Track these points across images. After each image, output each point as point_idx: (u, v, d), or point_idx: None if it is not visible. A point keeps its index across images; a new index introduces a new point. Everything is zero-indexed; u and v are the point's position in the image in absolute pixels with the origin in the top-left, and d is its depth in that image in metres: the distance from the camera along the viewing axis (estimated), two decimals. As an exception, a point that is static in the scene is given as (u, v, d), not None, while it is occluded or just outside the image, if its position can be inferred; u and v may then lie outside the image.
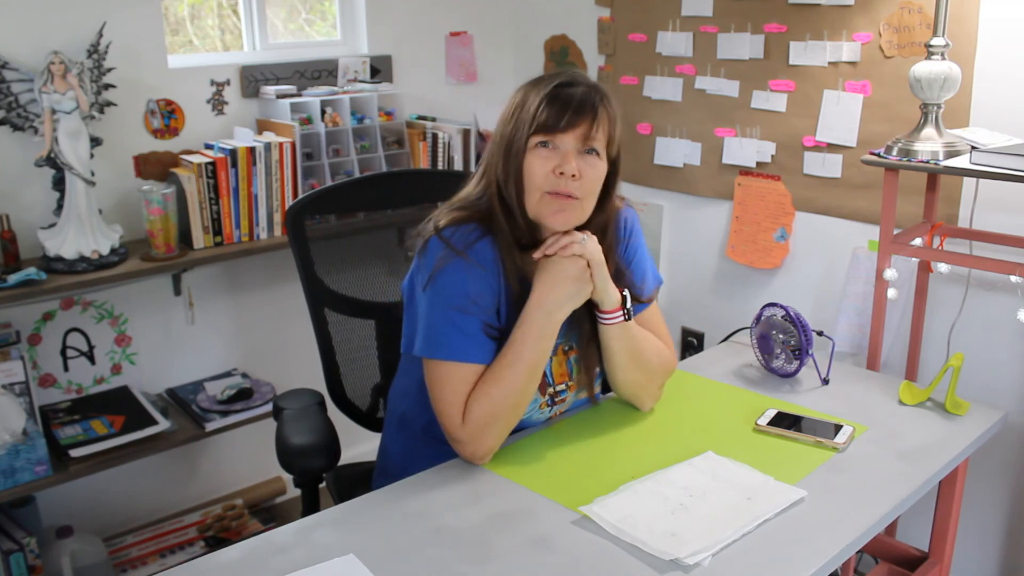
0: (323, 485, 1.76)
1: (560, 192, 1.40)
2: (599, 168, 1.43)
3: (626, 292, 1.51)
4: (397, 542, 1.28)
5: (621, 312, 1.50)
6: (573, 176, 1.39)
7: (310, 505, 1.70)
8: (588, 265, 1.44)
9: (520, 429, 1.56)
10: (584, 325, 1.54)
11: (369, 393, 1.95)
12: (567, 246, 1.42)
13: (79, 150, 2.20)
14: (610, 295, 1.48)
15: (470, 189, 1.52)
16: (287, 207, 2.01)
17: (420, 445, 1.60)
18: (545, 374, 1.53)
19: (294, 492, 2.91)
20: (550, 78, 1.45)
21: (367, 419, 1.95)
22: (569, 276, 1.42)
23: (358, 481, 1.82)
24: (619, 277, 1.55)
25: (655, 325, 1.65)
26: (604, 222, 1.52)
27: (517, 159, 1.42)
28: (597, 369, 1.61)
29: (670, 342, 1.68)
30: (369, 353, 1.93)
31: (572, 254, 1.42)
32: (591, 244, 1.44)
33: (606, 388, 1.72)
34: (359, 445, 2.11)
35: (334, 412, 1.81)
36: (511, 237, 1.45)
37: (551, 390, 1.56)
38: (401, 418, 1.66)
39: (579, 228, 1.46)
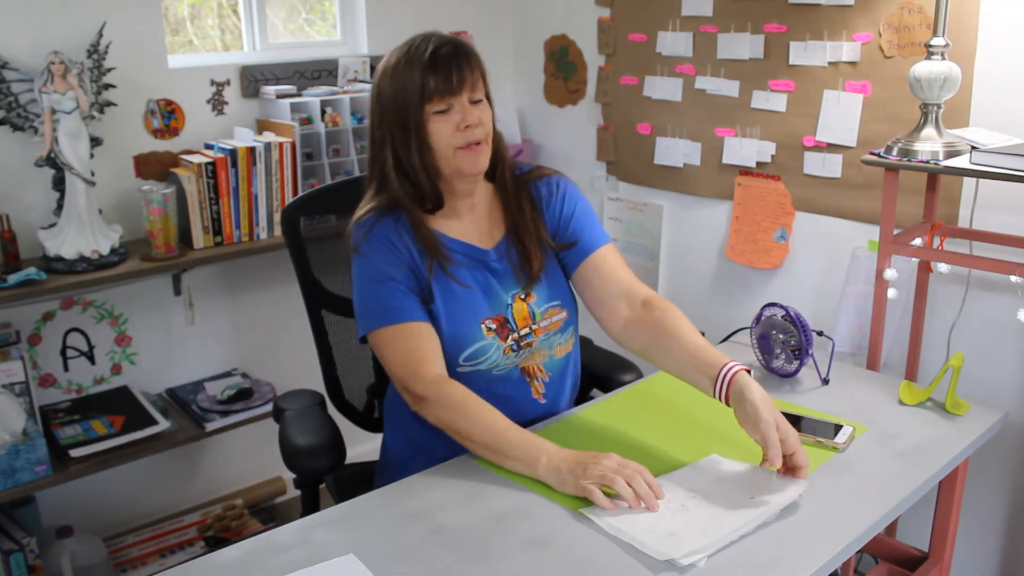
0: (323, 486, 1.77)
1: (470, 143, 1.52)
2: (488, 111, 1.56)
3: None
4: (397, 542, 1.28)
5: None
6: (479, 124, 1.52)
7: (310, 506, 1.70)
8: None
9: (499, 395, 1.57)
10: (531, 259, 1.62)
11: (365, 393, 1.95)
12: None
13: (79, 150, 2.20)
14: None
15: (367, 197, 1.62)
16: (283, 208, 2.01)
17: (414, 434, 1.63)
18: (507, 319, 1.60)
19: (294, 492, 2.90)
20: (414, 50, 1.52)
21: (364, 419, 1.95)
22: (572, 486, 1.37)
23: (358, 481, 1.82)
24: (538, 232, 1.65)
25: (619, 269, 1.68)
26: (502, 160, 1.64)
27: (419, 132, 1.52)
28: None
29: (647, 288, 1.69)
30: (365, 354, 1.93)
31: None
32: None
33: (588, 391, 1.72)
34: (358, 446, 2.11)
35: (332, 412, 1.81)
36: (415, 203, 1.57)
37: (515, 335, 1.60)
38: (395, 412, 1.69)
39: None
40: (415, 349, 1.51)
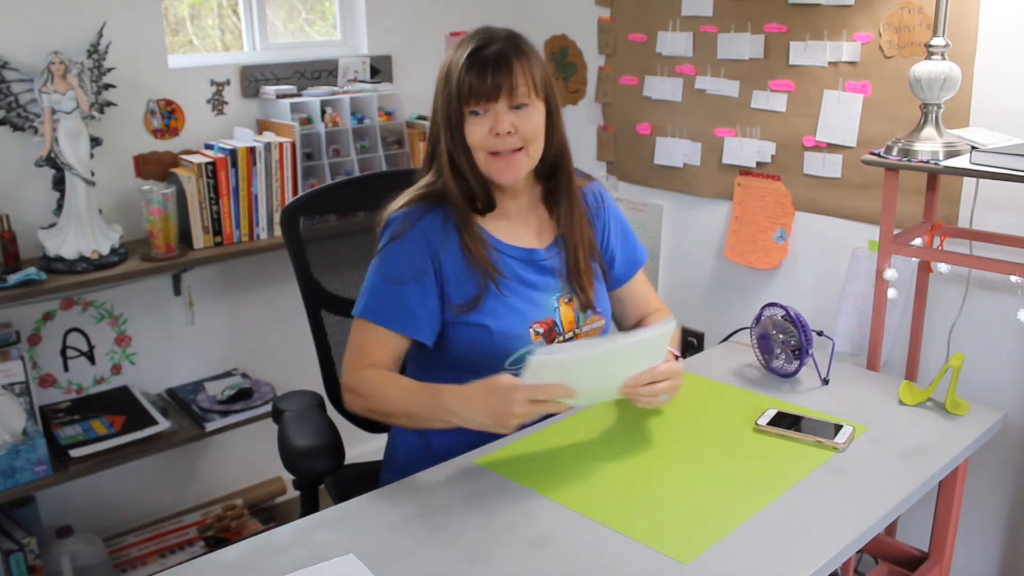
0: (322, 487, 1.77)
1: (500, 152, 1.49)
2: (533, 117, 1.50)
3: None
4: (397, 542, 1.28)
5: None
6: (509, 133, 1.47)
7: (309, 507, 1.70)
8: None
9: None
10: (580, 270, 1.61)
11: None
12: (653, 396, 1.45)
13: (79, 150, 2.20)
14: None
15: (423, 176, 1.61)
16: (282, 208, 2.01)
17: (429, 431, 1.62)
18: (555, 323, 1.59)
19: (294, 492, 2.89)
20: (465, 44, 1.52)
21: (363, 420, 1.94)
22: (493, 412, 1.35)
23: (357, 482, 1.82)
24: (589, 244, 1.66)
25: (648, 290, 1.80)
26: (555, 161, 1.59)
27: (459, 130, 1.51)
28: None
29: (662, 303, 1.82)
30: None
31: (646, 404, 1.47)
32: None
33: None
34: (357, 446, 2.10)
35: (332, 413, 1.80)
36: (465, 203, 1.54)
37: (561, 339, 1.60)
38: None
39: (544, 177, 1.60)
40: (374, 351, 1.52)
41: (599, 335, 1.67)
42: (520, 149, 1.50)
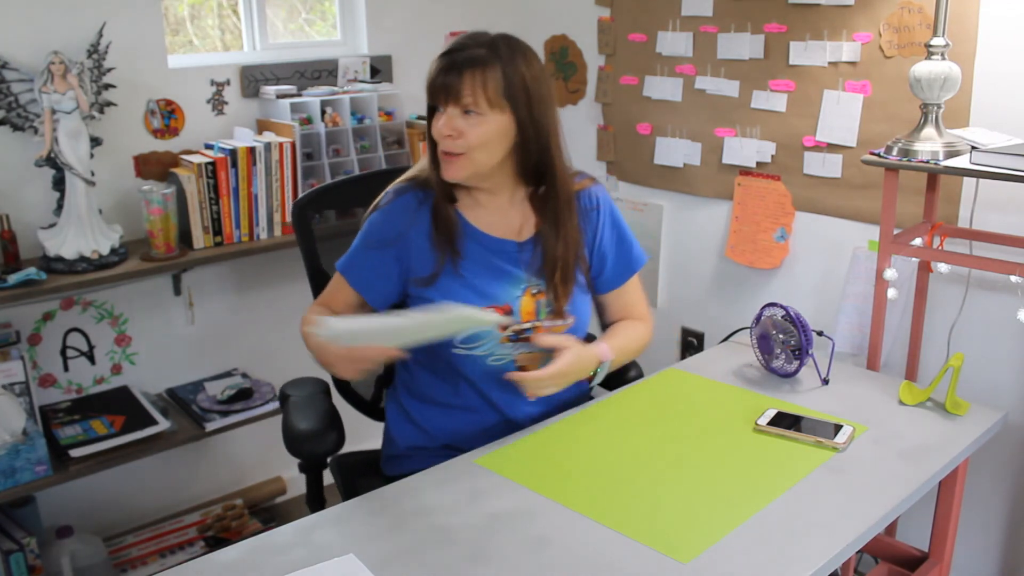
0: (327, 486, 1.78)
1: (444, 150, 1.56)
2: (480, 127, 1.52)
3: (598, 369, 1.65)
4: (397, 542, 1.28)
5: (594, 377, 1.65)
6: (451, 136, 1.52)
7: (315, 491, 1.77)
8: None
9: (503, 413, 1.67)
10: (555, 272, 1.63)
11: (373, 383, 1.98)
12: (532, 392, 1.57)
13: (79, 150, 2.19)
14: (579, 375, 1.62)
15: (415, 167, 1.71)
16: (293, 202, 2.05)
17: (410, 407, 1.72)
18: (512, 311, 1.62)
19: (294, 492, 2.91)
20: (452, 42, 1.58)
21: (371, 409, 1.99)
22: (328, 363, 1.51)
23: (362, 468, 1.87)
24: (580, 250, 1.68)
25: (636, 298, 1.80)
26: (540, 169, 1.61)
27: (429, 121, 1.59)
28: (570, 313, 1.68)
29: (646, 312, 1.82)
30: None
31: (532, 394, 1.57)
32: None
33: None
34: (365, 433, 2.12)
35: (340, 403, 1.84)
36: (439, 187, 1.63)
37: (516, 326, 1.61)
38: (393, 389, 1.78)
39: (541, 191, 1.64)
40: (332, 301, 1.68)
41: (563, 333, 1.65)
42: (463, 153, 1.54)
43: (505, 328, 1.59)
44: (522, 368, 1.61)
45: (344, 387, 1.95)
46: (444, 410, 1.68)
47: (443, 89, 1.51)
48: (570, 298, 1.65)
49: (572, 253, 1.64)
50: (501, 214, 1.65)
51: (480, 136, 1.52)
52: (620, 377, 1.88)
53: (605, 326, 1.80)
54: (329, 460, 1.81)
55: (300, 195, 2.40)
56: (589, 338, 1.74)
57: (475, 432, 1.65)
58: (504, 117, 1.53)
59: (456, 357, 1.61)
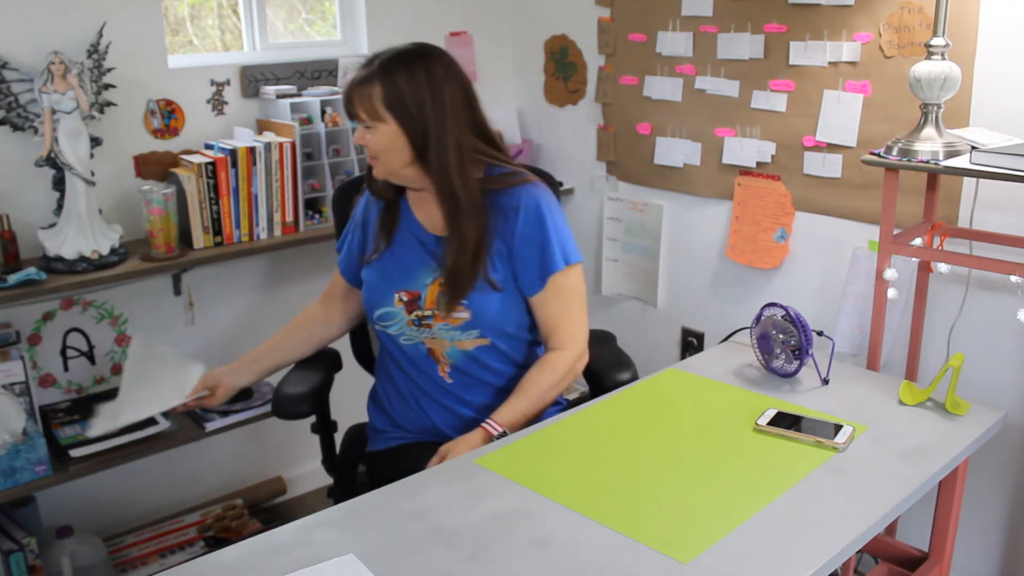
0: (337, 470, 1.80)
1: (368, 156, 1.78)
2: (377, 135, 1.70)
3: (493, 432, 1.70)
4: (397, 542, 1.28)
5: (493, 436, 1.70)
6: (362, 144, 1.74)
7: (327, 449, 2.05)
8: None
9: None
10: (447, 268, 1.74)
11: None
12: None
13: (79, 150, 2.20)
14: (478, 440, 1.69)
15: None
16: (335, 187, 2.24)
17: (378, 389, 1.96)
18: (420, 297, 1.78)
19: (294, 492, 2.91)
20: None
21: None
22: None
23: (364, 438, 2.04)
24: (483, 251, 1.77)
25: (559, 316, 1.80)
26: (443, 176, 1.72)
27: None
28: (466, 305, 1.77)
29: (571, 336, 1.81)
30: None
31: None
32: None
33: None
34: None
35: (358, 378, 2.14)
36: (381, 182, 1.84)
37: (419, 312, 1.78)
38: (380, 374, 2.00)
39: (446, 199, 1.74)
40: (336, 286, 1.98)
41: (460, 325, 1.76)
42: (375, 158, 1.74)
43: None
44: (431, 351, 1.80)
45: (366, 357, 2.18)
46: (395, 393, 1.90)
47: (345, 107, 1.74)
48: (467, 294, 1.73)
49: (467, 252, 1.72)
50: (428, 206, 1.81)
51: (377, 144, 1.71)
52: (614, 377, 1.87)
53: (538, 344, 1.87)
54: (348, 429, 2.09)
55: (298, 198, 2.50)
56: (523, 339, 1.83)
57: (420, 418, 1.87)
58: (390, 127, 1.69)
59: (378, 332, 1.85)
